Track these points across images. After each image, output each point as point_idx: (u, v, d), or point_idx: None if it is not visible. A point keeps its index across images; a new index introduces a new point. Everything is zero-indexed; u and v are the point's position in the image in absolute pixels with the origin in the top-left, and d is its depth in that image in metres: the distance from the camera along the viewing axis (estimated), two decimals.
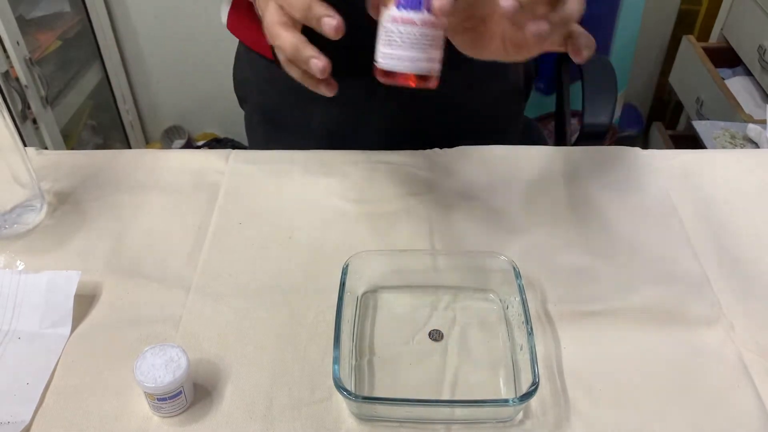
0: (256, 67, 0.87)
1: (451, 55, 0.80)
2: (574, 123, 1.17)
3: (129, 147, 2.11)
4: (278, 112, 0.89)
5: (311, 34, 0.79)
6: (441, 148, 0.80)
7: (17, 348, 0.57)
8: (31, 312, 0.59)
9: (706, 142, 1.38)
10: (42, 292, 0.59)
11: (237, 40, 0.87)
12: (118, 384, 0.54)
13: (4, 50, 1.48)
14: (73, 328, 0.59)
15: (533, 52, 0.52)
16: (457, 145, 0.80)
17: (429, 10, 0.49)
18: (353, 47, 0.78)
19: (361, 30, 0.75)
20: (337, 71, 0.83)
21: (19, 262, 0.65)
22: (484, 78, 0.85)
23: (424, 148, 0.80)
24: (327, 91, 0.54)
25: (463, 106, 0.85)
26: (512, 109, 0.93)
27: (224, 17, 0.85)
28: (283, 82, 0.85)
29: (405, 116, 0.84)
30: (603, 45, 1.73)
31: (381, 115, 0.84)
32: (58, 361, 0.56)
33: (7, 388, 0.54)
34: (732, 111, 1.53)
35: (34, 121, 1.61)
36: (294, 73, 0.55)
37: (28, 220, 0.69)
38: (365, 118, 0.84)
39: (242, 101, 0.95)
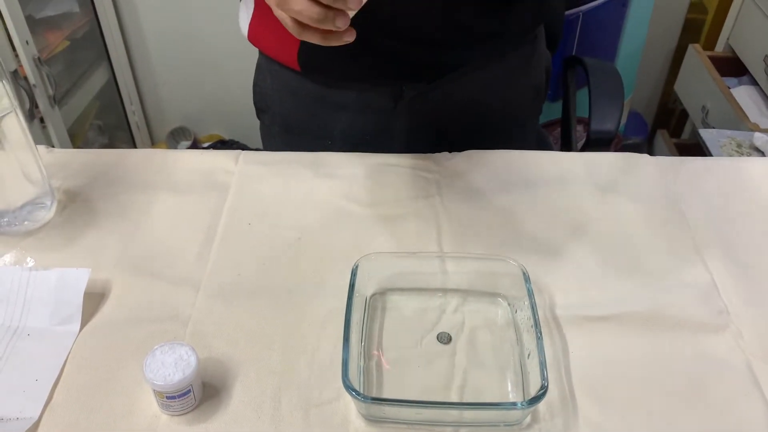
0: (279, 78, 0.86)
1: (478, 55, 0.80)
2: (580, 130, 1.18)
3: (135, 147, 2.11)
4: (301, 123, 0.88)
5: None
6: (461, 149, 0.80)
7: (27, 344, 0.57)
8: (41, 309, 0.59)
9: (712, 150, 1.38)
10: (51, 289, 0.60)
11: (246, 42, 0.87)
12: (126, 382, 0.54)
13: (13, 49, 1.49)
14: (83, 325, 0.59)
15: None
16: (478, 146, 0.80)
17: None
18: (379, 56, 0.78)
19: (386, 39, 0.76)
20: (363, 80, 0.83)
21: (29, 258, 0.66)
22: (510, 77, 0.85)
23: (444, 150, 0.80)
24: (349, 37, 0.53)
25: (486, 106, 0.85)
26: (532, 109, 0.94)
27: (244, 29, 0.84)
28: (306, 91, 0.85)
29: (429, 120, 0.84)
30: (609, 52, 1.73)
31: (405, 121, 0.84)
32: (67, 358, 0.56)
33: (16, 384, 0.54)
34: (737, 120, 1.53)
35: (42, 120, 1.62)
36: (312, 37, 0.53)
37: (38, 218, 0.69)
38: (389, 125, 0.84)
39: (261, 112, 0.94)
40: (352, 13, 0.51)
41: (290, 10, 0.50)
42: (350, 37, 0.52)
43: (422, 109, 0.83)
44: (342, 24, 0.51)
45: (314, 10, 0.49)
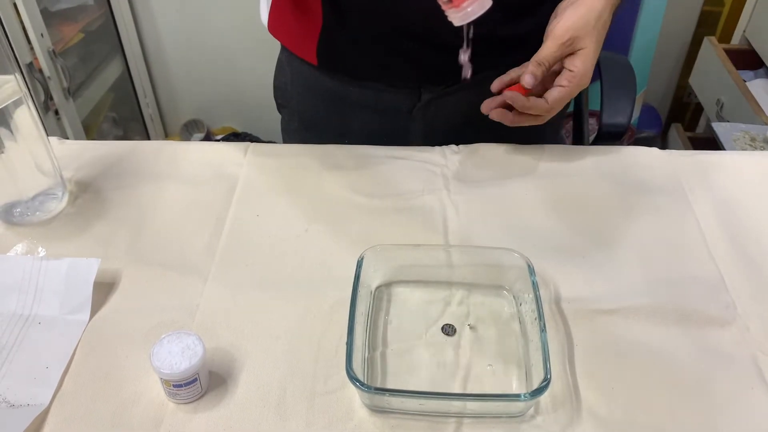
0: (298, 73, 0.86)
1: (498, 62, 0.79)
2: (592, 123, 1.17)
3: (148, 139, 2.13)
4: (318, 120, 0.87)
5: (361, 42, 0.78)
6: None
7: (37, 332, 0.58)
8: (52, 297, 0.60)
9: (725, 144, 1.37)
10: (62, 278, 0.61)
11: (260, 36, 0.86)
12: (134, 370, 0.55)
13: (29, 42, 1.50)
14: (92, 314, 0.60)
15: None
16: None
17: None
18: (399, 57, 0.77)
19: (408, 42, 0.75)
20: (381, 80, 0.82)
21: (40, 248, 0.67)
22: None
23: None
24: None
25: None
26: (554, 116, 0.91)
27: (264, 19, 0.83)
28: (324, 88, 0.84)
29: (445, 123, 0.83)
30: (623, 45, 1.72)
31: (421, 123, 0.83)
32: (76, 346, 0.57)
33: (27, 371, 0.55)
34: (752, 114, 1.52)
35: (56, 112, 1.63)
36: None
37: (50, 208, 0.70)
38: (406, 127, 0.84)
39: (281, 107, 0.94)
40: None
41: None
42: None
43: (439, 112, 0.82)
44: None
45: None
